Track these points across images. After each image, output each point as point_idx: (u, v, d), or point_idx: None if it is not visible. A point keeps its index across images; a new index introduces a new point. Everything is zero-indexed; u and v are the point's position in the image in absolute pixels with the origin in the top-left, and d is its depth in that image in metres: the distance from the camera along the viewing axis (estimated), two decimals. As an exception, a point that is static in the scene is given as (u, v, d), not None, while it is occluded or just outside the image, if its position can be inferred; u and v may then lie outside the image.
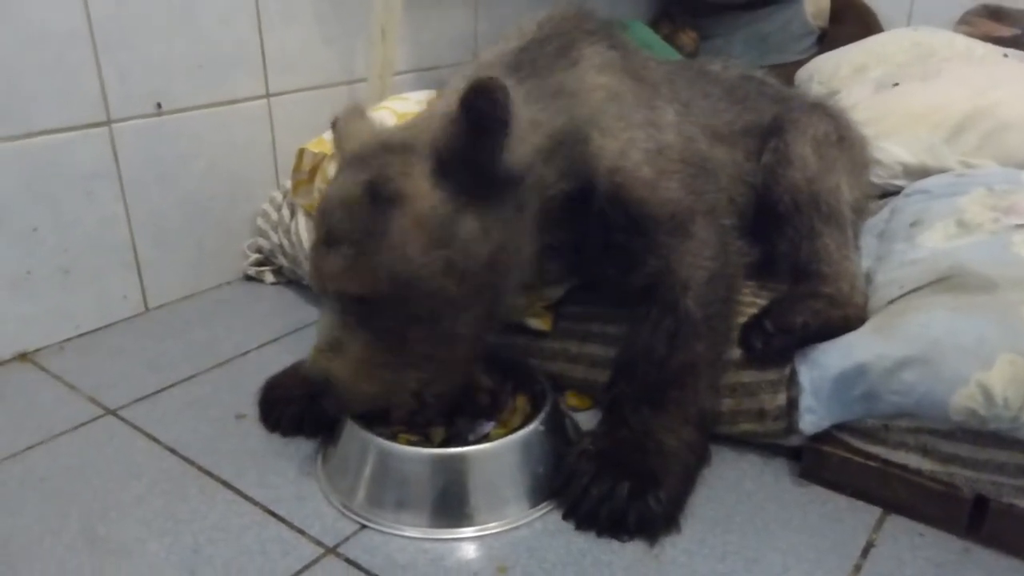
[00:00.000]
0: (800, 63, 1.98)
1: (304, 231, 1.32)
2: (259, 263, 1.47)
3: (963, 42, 1.74)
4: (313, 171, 1.28)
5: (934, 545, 0.83)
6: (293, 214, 1.36)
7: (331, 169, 1.22)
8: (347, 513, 0.86)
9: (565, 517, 0.86)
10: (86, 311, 1.26)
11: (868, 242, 1.16)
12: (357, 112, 0.93)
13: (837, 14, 2.18)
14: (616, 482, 0.83)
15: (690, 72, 1.18)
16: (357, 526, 0.85)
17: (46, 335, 1.22)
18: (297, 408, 0.99)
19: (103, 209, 1.24)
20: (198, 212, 1.37)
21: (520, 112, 0.79)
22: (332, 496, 0.89)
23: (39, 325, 1.21)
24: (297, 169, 1.30)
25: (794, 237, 1.06)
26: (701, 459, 0.92)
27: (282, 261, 1.42)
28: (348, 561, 0.80)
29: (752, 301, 1.03)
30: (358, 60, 1.55)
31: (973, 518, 0.84)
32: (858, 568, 0.80)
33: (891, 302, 0.95)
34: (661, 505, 0.83)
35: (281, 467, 0.94)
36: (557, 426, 0.93)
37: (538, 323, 1.07)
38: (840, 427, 0.90)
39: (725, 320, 0.95)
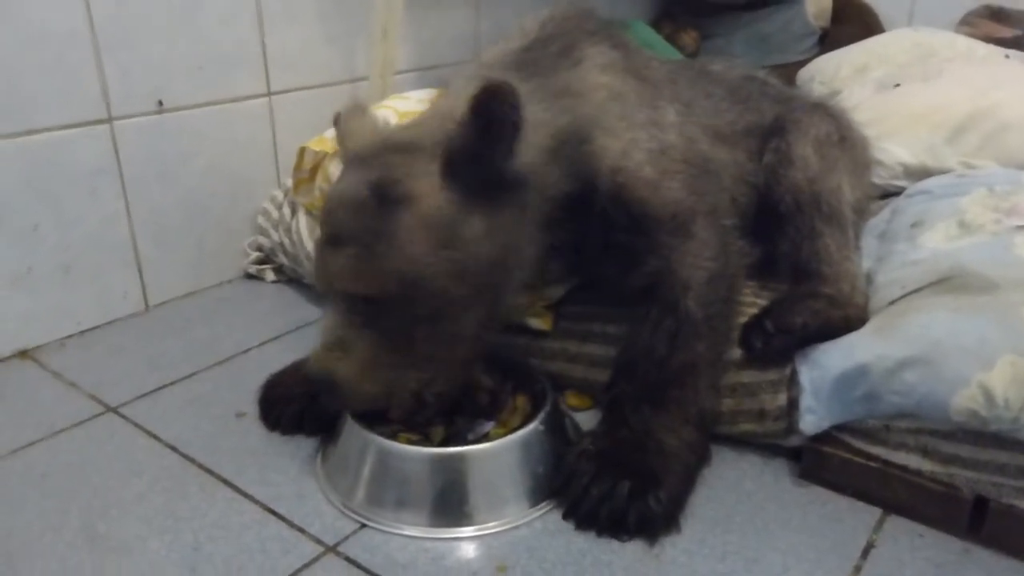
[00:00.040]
0: (801, 63, 1.97)
1: (305, 230, 1.32)
2: (260, 261, 1.47)
3: (964, 43, 1.74)
4: (314, 170, 1.28)
5: (934, 546, 0.83)
6: (294, 212, 1.36)
7: (332, 168, 1.22)
8: (347, 512, 0.86)
9: (565, 517, 0.86)
10: (87, 308, 1.26)
11: (869, 243, 1.16)
12: (359, 109, 0.93)
13: (838, 14, 2.18)
14: (616, 482, 0.83)
15: (692, 72, 1.17)
16: (357, 525, 0.85)
17: (47, 332, 1.22)
18: (297, 407, 0.99)
19: (104, 207, 1.24)
20: (199, 210, 1.37)
21: (528, 114, 0.79)
22: (332, 495, 0.89)
23: (40, 322, 1.21)
24: (298, 167, 1.30)
25: (795, 237, 1.06)
26: (701, 459, 0.92)
27: (283, 259, 1.42)
28: (348, 560, 0.80)
29: (753, 301, 1.03)
30: (359, 59, 1.55)
31: (973, 519, 0.84)
32: (858, 569, 0.80)
33: (892, 303, 0.95)
34: (661, 505, 0.83)
35: (281, 465, 0.94)
36: (557, 426, 0.93)
37: (538, 323, 1.07)
38: (840, 427, 0.90)
39: (726, 320, 0.95)
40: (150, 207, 1.30)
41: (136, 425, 1.02)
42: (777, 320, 0.93)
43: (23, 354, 1.19)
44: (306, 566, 0.79)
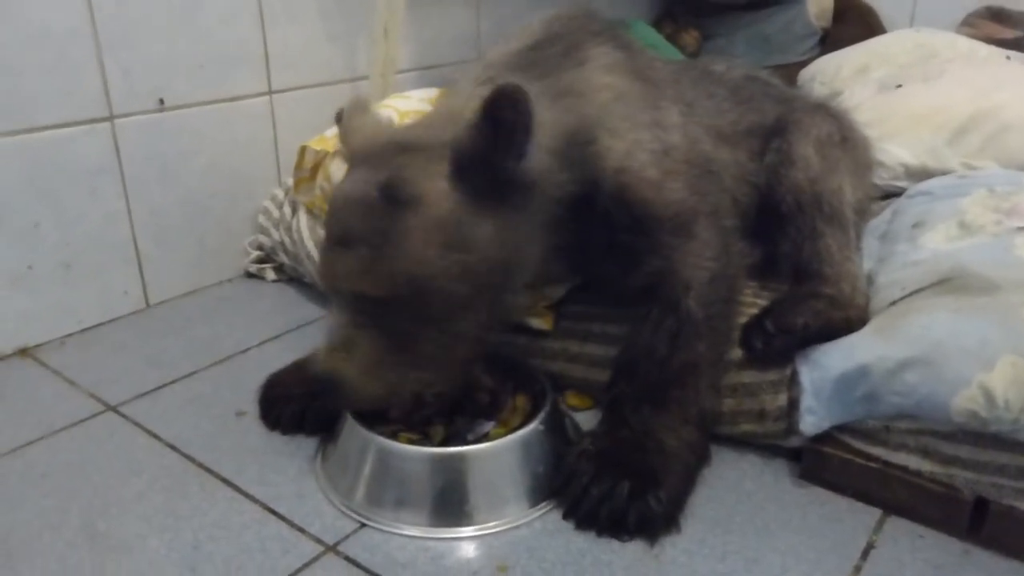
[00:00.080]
0: (802, 64, 1.98)
1: (306, 229, 1.32)
2: (260, 260, 1.47)
3: (966, 44, 1.73)
4: (315, 168, 1.28)
5: (934, 547, 0.83)
6: (295, 211, 1.36)
7: (333, 166, 1.22)
8: (347, 511, 0.86)
9: (565, 517, 0.86)
10: (87, 307, 1.26)
11: (870, 243, 1.16)
12: (362, 105, 0.93)
13: (840, 15, 2.18)
14: (616, 482, 0.83)
15: (695, 72, 1.18)
16: (357, 524, 0.85)
17: (47, 330, 1.22)
18: (297, 406, 0.99)
19: (105, 205, 1.24)
20: (199, 209, 1.37)
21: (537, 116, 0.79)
22: (332, 494, 0.89)
23: (40, 320, 1.21)
24: (299, 166, 1.30)
25: (796, 237, 1.06)
26: (701, 459, 0.92)
27: (283, 259, 1.42)
28: (348, 559, 0.80)
29: (753, 302, 1.03)
30: (360, 58, 1.55)
31: (973, 520, 0.84)
32: (858, 569, 0.80)
33: (893, 303, 0.95)
34: (661, 505, 0.82)
35: (281, 465, 0.94)
36: (557, 426, 0.93)
37: (539, 322, 1.07)
38: (841, 428, 0.90)
39: (726, 320, 0.95)
40: (151, 205, 1.30)
41: (136, 424, 1.02)
42: (778, 320, 0.93)
43: (23, 352, 1.19)
44: (306, 565, 0.79)
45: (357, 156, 0.85)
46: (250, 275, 1.47)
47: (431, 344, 0.82)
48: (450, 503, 0.84)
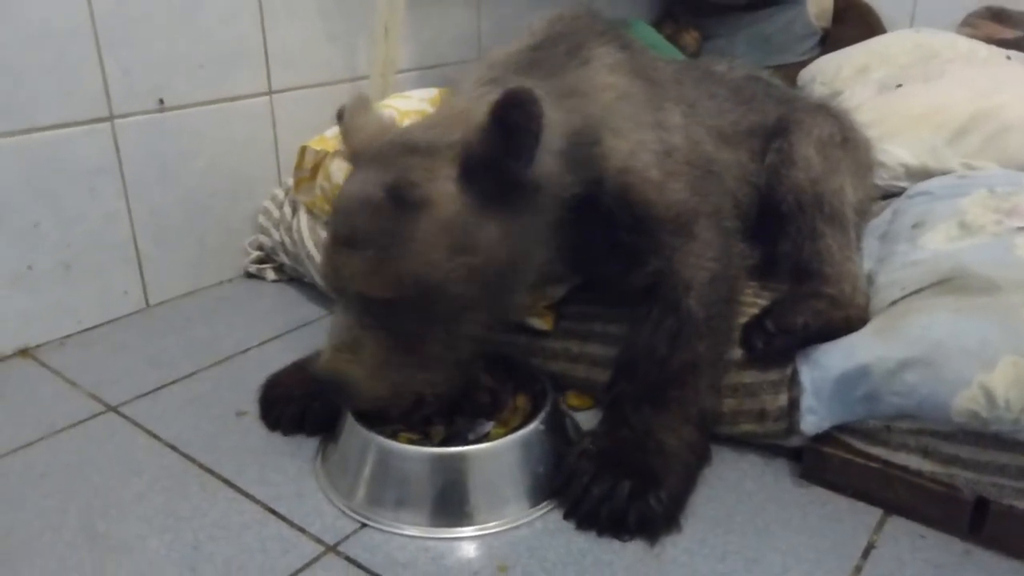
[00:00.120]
0: (803, 64, 1.97)
1: (306, 229, 1.32)
2: (260, 260, 1.47)
3: (966, 44, 1.73)
4: (315, 168, 1.28)
5: (935, 547, 0.83)
6: (295, 211, 1.36)
7: (333, 166, 1.22)
8: (347, 511, 0.86)
9: (566, 516, 0.86)
10: (87, 307, 1.26)
11: (870, 243, 1.16)
12: (363, 104, 0.92)
13: (840, 15, 2.18)
14: (617, 482, 0.83)
15: (696, 72, 1.18)
16: (357, 524, 0.85)
17: (47, 331, 1.22)
18: (298, 406, 0.99)
19: (105, 205, 1.24)
20: (199, 209, 1.37)
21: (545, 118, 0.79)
22: (332, 494, 0.89)
23: (40, 320, 1.21)
24: (299, 166, 1.30)
25: (797, 237, 1.06)
26: (702, 459, 0.92)
27: (283, 259, 1.42)
28: (348, 559, 0.80)
29: (753, 301, 1.03)
30: (360, 58, 1.55)
31: (974, 520, 0.84)
32: (858, 569, 0.80)
33: (893, 303, 0.95)
34: (662, 505, 0.82)
35: (281, 465, 0.94)
36: (557, 425, 0.93)
37: (539, 322, 1.07)
38: (841, 428, 0.90)
39: (726, 320, 0.95)
40: (151, 205, 1.30)
41: (136, 424, 1.02)
42: (778, 320, 0.93)
43: (23, 352, 1.19)
44: (306, 566, 0.79)
45: (361, 156, 0.85)
46: (250, 275, 1.47)
47: (437, 345, 0.82)
48: (450, 503, 0.84)
